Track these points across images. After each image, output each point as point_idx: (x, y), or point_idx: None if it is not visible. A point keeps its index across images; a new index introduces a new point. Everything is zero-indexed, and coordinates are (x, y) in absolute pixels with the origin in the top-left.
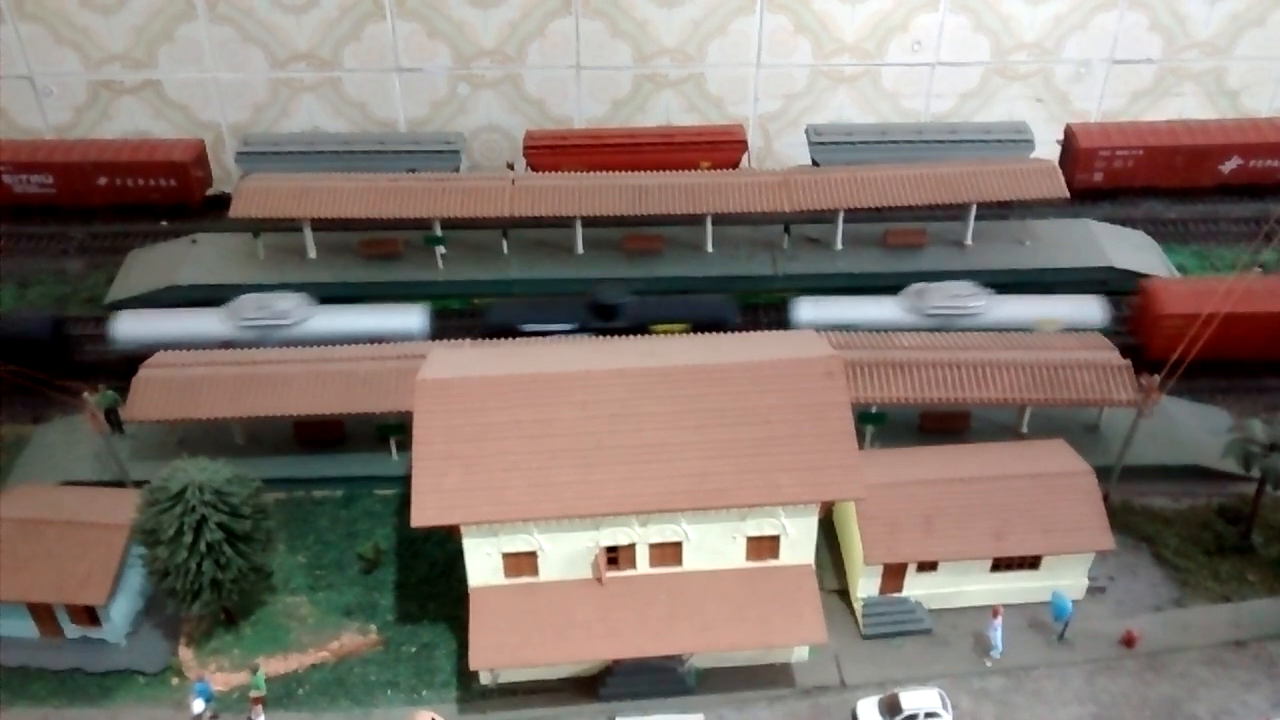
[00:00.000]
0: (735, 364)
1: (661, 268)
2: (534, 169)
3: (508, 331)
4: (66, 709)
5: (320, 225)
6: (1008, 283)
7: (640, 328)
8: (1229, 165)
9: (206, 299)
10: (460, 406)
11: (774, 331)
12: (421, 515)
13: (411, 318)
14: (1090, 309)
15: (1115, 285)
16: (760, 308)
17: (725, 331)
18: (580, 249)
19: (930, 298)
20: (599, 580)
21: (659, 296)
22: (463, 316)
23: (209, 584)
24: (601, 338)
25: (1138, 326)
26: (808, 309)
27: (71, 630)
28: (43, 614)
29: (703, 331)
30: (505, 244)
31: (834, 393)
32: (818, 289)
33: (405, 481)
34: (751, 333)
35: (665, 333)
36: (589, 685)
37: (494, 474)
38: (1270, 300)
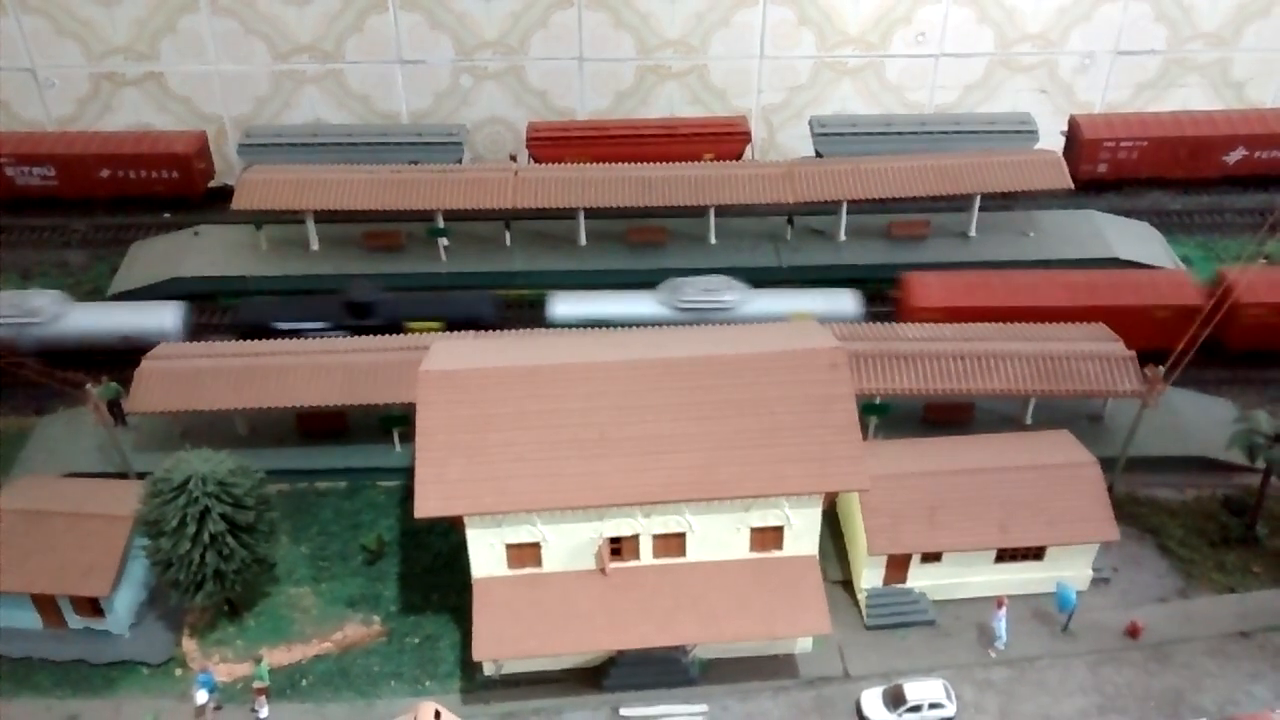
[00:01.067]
0: (740, 355)
1: (665, 259)
2: (537, 160)
3: (260, 330)
4: (70, 700)
5: (323, 217)
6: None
7: (394, 326)
8: (1234, 156)
9: (209, 291)
10: (463, 397)
11: (779, 323)
12: (424, 506)
13: (165, 315)
14: (844, 302)
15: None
16: None
17: (481, 329)
18: (583, 241)
19: (683, 292)
20: (603, 571)
21: (414, 294)
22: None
23: (212, 575)
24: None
25: (899, 320)
26: (563, 305)
27: (75, 621)
28: (46, 605)
29: (459, 330)
30: (508, 236)
31: (838, 384)
32: (821, 280)
33: (408, 473)
34: (756, 324)
35: (421, 330)
36: (592, 676)
37: (497, 465)
38: (1029, 295)
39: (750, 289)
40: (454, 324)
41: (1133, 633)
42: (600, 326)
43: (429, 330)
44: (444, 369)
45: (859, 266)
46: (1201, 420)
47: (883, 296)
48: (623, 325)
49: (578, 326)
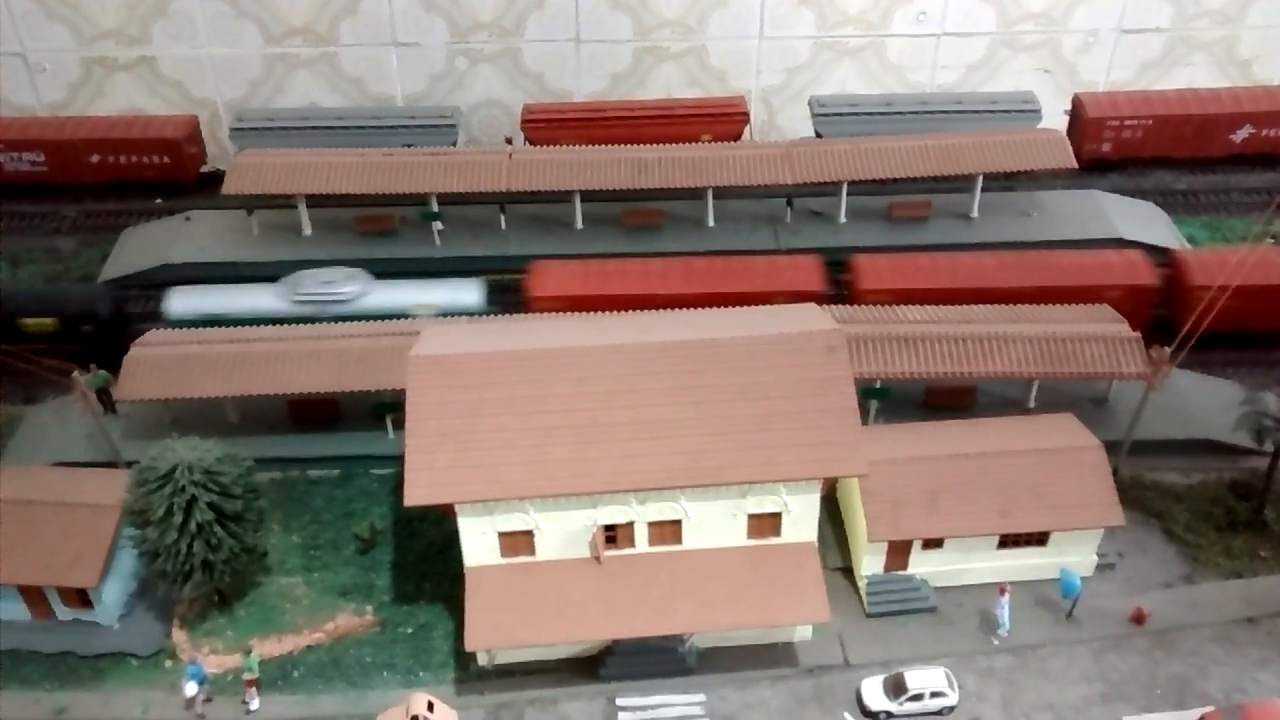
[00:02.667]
0: (735, 339)
1: (662, 242)
2: (532, 143)
3: None
4: (58, 692)
5: (315, 202)
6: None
7: (8, 322)
8: (1240, 134)
9: (200, 277)
10: (453, 383)
11: (776, 306)
12: (414, 494)
13: (469, 291)
14: (468, 294)
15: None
16: None
17: (97, 325)
18: (579, 224)
19: (302, 285)
20: (597, 559)
21: (30, 290)
22: None
23: (200, 565)
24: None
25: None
26: (180, 300)
27: (63, 613)
28: (34, 596)
29: (72, 326)
30: (503, 219)
31: (836, 367)
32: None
33: (401, 460)
34: (752, 307)
35: (35, 330)
36: (588, 666)
37: (488, 451)
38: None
39: (373, 281)
40: (67, 320)
41: (1138, 619)
42: (220, 324)
43: (45, 329)
44: (434, 354)
45: (860, 248)
46: (1208, 403)
47: None
48: (243, 321)
49: (198, 324)
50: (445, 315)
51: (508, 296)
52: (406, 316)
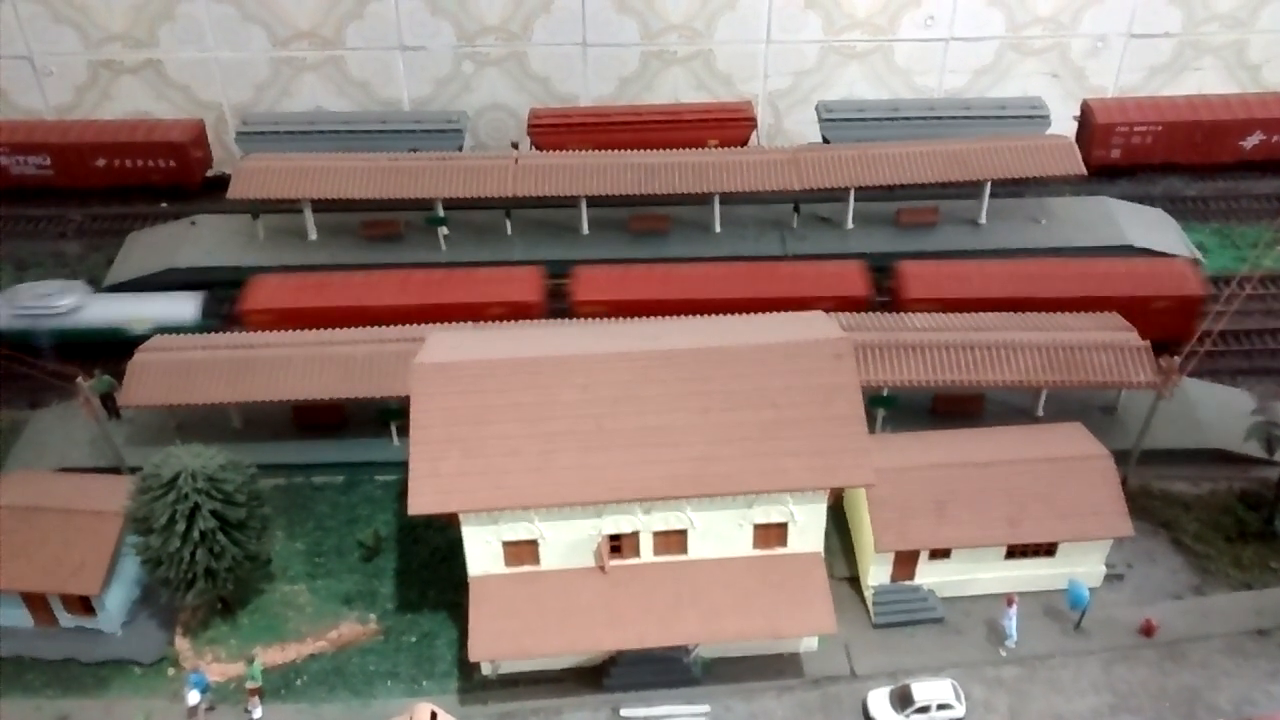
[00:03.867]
0: (741, 346)
1: (668, 248)
2: (539, 148)
3: None
4: (61, 699)
5: (321, 206)
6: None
7: None
8: (1251, 141)
9: (205, 281)
10: (458, 390)
11: (782, 313)
12: (418, 502)
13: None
14: (184, 307)
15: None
16: None
17: None
18: (585, 229)
19: (19, 298)
20: (602, 569)
21: None
22: None
23: (203, 573)
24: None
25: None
26: None
27: (66, 620)
28: (37, 603)
29: None
30: (509, 225)
31: (843, 375)
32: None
33: (406, 467)
34: (759, 315)
35: None
36: (593, 676)
37: (493, 459)
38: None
39: (91, 294)
40: None
41: (1147, 630)
42: None
43: None
44: (439, 361)
45: (867, 254)
46: (1218, 412)
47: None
48: None
49: None
50: (161, 330)
51: (224, 309)
52: (122, 331)
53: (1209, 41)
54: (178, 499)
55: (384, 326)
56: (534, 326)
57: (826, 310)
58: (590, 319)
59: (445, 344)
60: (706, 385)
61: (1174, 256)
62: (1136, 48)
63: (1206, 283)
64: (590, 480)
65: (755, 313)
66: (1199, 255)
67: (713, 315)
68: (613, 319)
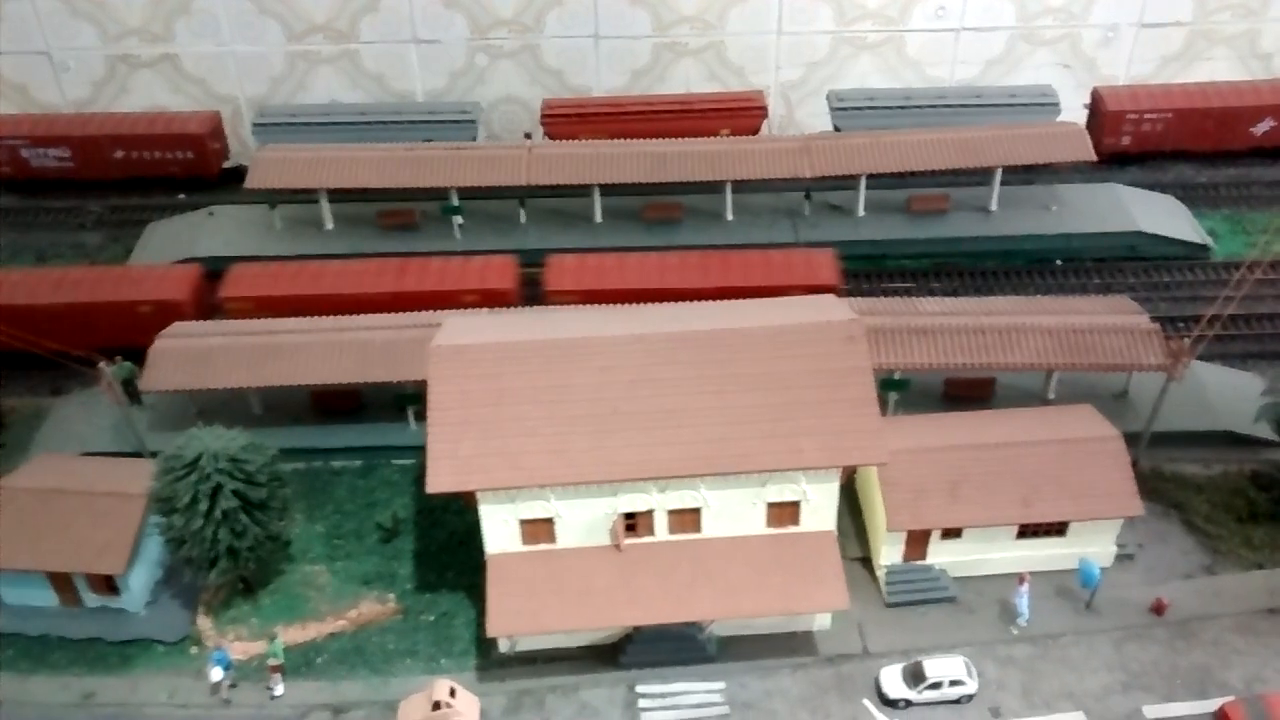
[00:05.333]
0: (755, 329)
1: (681, 236)
2: (552, 138)
3: None
4: (86, 677)
5: (337, 196)
6: (1033, 249)
7: None
8: (1261, 127)
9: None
10: (475, 372)
11: (794, 296)
12: (437, 481)
13: None
14: None
15: (1144, 250)
16: None
17: None
18: (599, 218)
19: None
20: (617, 547)
21: None
22: None
23: (225, 552)
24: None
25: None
26: None
27: (91, 599)
28: (63, 583)
29: None
30: (523, 213)
31: (855, 357)
32: (840, 256)
33: (423, 451)
34: (771, 298)
35: None
36: (609, 653)
37: (510, 440)
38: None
39: None
40: None
41: (1158, 609)
42: None
43: None
44: (456, 344)
45: (878, 242)
46: (1228, 394)
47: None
48: None
49: None
50: None
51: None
52: None
53: (1221, 31)
54: (200, 479)
55: (355, 315)
56: (550, 311)
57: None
58: (562, 306)
59: (462, 327)
60: (721, 367)
61: (824, 247)
62: (1148, 37)
63: (841, 275)
64: (606, 460)
65: (725, 300)
66: (1210, 241)
67: (684, 303)
68: (584, 307)
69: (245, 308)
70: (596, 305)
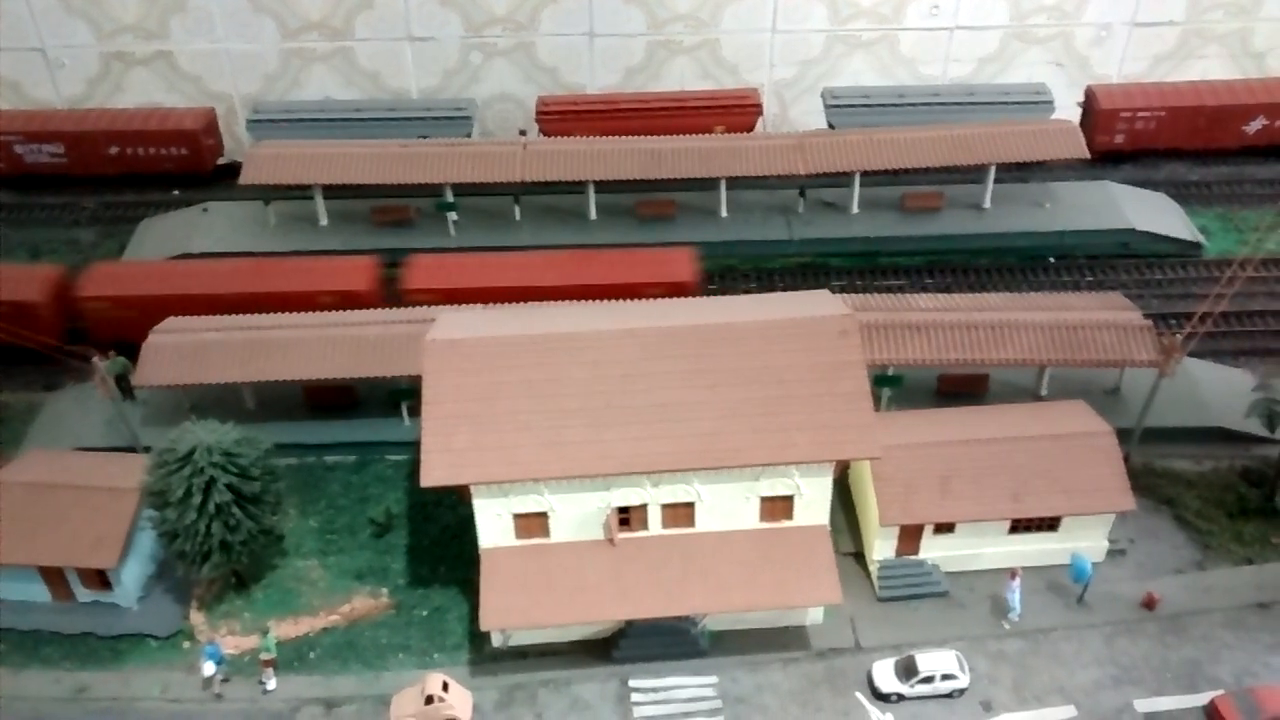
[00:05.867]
0: (748, 323)
1: (675, 232)
2: (546, 135)
3: None
4: (79, 672)
5: (331, 193)
6: (1026, 246)
7: None
8: (1254, 126)
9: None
10: (469, 366)
11: (788, 292)
12: (430, 475)
13: None
14: None
15: (1137, 247)
16: (777, 273)
17: None
18: (593, 214)
19: None
20: (611, 541)
21: None
22: None
23: (218, 546)
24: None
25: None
26: None
27: (83, 594)
28: (54, 578)
29: None
30: (518, 210)
31: (849, 351)
32: (834, 253)
33: (416, 447)
34: (765, 293)
35: None
36: (602, 648)
37: (504, 434)
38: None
39: None
40: None
41: (1149, 604)
42: None
43: None
44: (450, 338)
45: (872, 239)
46: (1220, 390)
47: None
48: None
49: None
50: None
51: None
52: None
53: (1213, 30)
54: (194, 472)
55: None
56: (544, 306)
57: (653, 297)
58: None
59: (456, 322)
60: (714, 362)
61: (681, 246)
62: (1140, 36)
63: (698, 273)
64: (601, 454)
65: (585, 299)
66: (1202, 239)
67: (542, 301)
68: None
69: (429, 299)
70: (457, 305)
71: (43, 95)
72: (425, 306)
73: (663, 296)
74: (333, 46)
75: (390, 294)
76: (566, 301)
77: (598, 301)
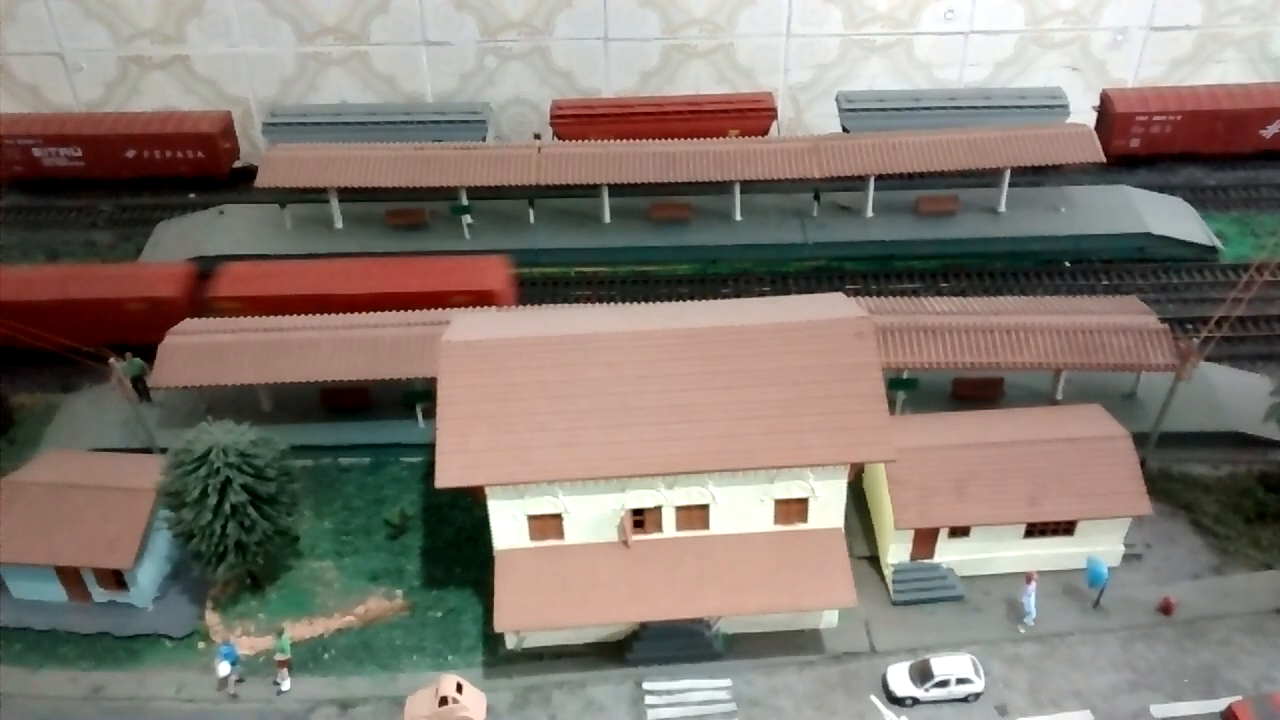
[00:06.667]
0: (764, 325)
1: (690, 236)
2: (561, 138)
3: None
4: (94, 671)
5: (347, 196)
6: (1042, 250)
7: None
8: (1271, 130)
9: None
10: (485, 367)
11: (803, 295)
12: (445, 476)
13: None
14: None
15: (1153, 252)
16: (791, 276)
17: None
18: (607, 218)
19: None
20: (625, 543)
21: None
22: None
23: (234, 546)
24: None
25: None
26: None
27: (99, 594)
28: (71, 578)
29: None
30: (532, 213)
31: (864, 354)
32: (848, 257)
33: (431, 449)
34: (780, 296)
35: None
36: (616, 650)
37: (519, 435)
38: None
39: None
40: None
41: (1166, 609)
42: None
43: None
44: (465, 339)
45: (886, 243)
46: (1237, 395)
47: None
48: None
49: None
50: None
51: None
52: None
53: (1231, 34)
54: (210, 473)
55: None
56: (560, 307)
57: (462, 305)
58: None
59: (471, 323)
60: (730, 364)
61: (495, 255)
62: (1157, 40)
63: (511, 278)
64: (615, 455)
65: (393, 309)
66: (1218, 243)
67: (354, 311)
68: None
69: (234, 308)
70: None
71: (60, 99)
72: (234, 317)
73: (472, 305)
74: (349, 50)
75: (195, 302)
76: (368, 311)
77: (402, 310)
